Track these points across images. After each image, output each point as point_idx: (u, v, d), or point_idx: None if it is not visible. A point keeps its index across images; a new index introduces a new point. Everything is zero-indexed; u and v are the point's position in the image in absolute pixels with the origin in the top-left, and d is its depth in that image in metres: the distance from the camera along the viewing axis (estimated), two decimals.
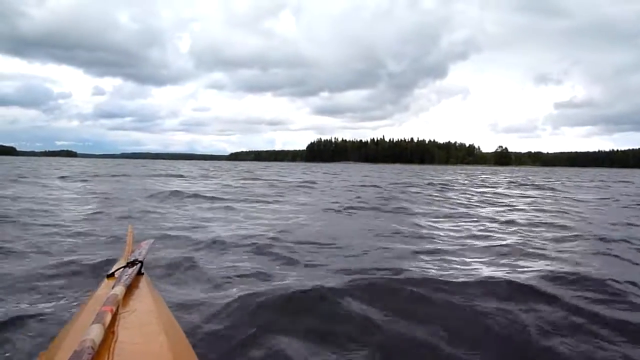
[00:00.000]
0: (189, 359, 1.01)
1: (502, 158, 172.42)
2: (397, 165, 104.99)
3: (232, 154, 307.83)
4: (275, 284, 2.70)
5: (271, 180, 16.46)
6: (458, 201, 9.33)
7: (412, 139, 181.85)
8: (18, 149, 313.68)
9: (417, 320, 2.19)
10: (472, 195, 11.43)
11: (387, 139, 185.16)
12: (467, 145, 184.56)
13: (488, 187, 15.73)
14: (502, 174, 36.96)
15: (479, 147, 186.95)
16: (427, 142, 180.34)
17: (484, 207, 8.01)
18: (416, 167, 74.69)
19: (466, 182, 19.47)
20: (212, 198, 8.63)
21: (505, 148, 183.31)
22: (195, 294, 2.52)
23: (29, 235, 4.20)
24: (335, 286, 2.58)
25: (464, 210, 7.40)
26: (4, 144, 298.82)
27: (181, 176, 18.74)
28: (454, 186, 15.25)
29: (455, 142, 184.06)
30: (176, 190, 9.69)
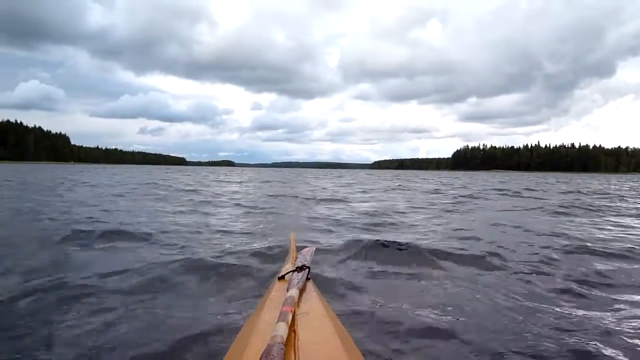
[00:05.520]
0: None
1: None
2: (558, 174, 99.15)
3: (375, 162, 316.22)
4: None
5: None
6: None
7: (572, 144, 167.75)
8: (187, 160, 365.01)
9: None
10: None
11: (542, 145, 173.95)
12: None
13: None
14: None
15: None
16: (591, 147, 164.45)
17: None
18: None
19: None
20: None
21: None
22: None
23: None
24: None
25: None
26: (177, 155, 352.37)
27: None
28: None
29: (627, 148, 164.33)
30: None
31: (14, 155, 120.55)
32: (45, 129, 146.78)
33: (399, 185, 20.20)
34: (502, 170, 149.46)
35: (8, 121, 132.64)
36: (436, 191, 15.27)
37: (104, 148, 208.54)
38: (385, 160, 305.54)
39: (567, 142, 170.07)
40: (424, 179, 26.15)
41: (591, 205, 9.29)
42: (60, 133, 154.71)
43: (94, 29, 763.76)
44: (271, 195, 11.65)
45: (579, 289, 2.78)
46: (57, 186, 13.81)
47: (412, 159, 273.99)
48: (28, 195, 9.99)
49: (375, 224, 5.90)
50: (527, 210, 8.46)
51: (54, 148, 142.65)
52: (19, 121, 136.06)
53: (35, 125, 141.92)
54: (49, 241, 4.09)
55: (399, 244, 3.97)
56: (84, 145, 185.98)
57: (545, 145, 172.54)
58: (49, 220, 5.57)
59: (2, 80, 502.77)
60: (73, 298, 2.42)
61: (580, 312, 2.36)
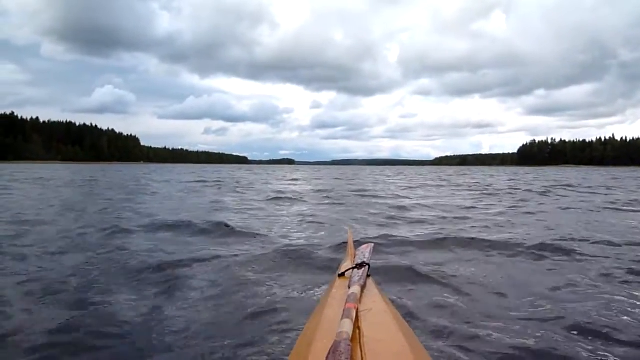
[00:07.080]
0: None
1: None
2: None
3: (436, 159, 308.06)
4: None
5: None
6: None
7: None
8: (249, 159, 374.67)
9: None
10: None
11: (617, 138, 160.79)
12: None
13: None
14: None
15: None
16: None
17: None
18: None
19: None
20: None
21: None
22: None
23: None
24: None
25: None
26: (240, 154, 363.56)
27: None
28: None
29: None
30: None
31: (90, 156, 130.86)
32: (117, 131, 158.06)
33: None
34: (573, 166, 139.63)
35: (85, 124, 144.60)
36: None
37: (170, 148, 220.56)
38: (447, 156, 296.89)
39: None
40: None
41: None
42: (131, 135, 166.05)
43: (162, 36, 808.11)
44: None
45: None
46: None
47: (474, 154, 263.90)
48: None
49: None
50: None
51: (126, 149, 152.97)
52: (94, 124, 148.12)
53: (109, 128, 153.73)
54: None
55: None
56: (152, 146, 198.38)
57: (621, 138, 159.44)
58: None
59: (81, 87, 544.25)
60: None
61: None
